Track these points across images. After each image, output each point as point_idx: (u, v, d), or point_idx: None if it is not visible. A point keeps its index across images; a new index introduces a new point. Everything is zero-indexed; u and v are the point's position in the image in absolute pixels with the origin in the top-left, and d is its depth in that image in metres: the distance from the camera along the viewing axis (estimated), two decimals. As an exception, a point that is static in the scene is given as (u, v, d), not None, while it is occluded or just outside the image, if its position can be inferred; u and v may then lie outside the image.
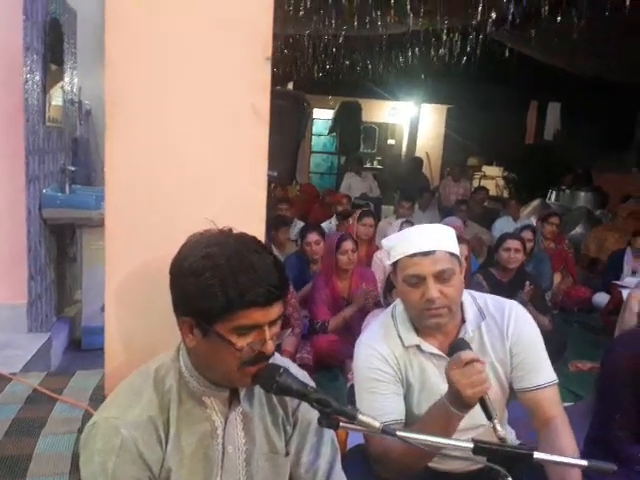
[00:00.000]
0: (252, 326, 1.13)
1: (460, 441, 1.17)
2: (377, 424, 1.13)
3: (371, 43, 9.33)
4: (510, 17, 7.00)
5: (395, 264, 1.66)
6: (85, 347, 3.79)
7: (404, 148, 12.22)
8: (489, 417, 1.34)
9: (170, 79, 1.48)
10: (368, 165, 11.74)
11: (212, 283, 1.11)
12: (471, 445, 1.14)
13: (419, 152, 11.88)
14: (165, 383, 1.22)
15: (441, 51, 8.97)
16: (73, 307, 4.24)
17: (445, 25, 8.34)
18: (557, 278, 5.27)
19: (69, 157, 4.18)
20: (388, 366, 1.68)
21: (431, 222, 7.36)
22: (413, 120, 11.78)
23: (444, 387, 1.67)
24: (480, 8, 7.02)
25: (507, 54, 8.46)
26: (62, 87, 3.89)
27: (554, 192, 9.20)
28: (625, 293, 3.88)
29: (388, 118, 12.67)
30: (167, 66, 1.48)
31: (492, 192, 10.99)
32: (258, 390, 1.30)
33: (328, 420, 1.14)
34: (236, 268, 1.12)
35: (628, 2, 6.00)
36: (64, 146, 4.04)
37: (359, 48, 9.60)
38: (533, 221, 6.72)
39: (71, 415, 1.43)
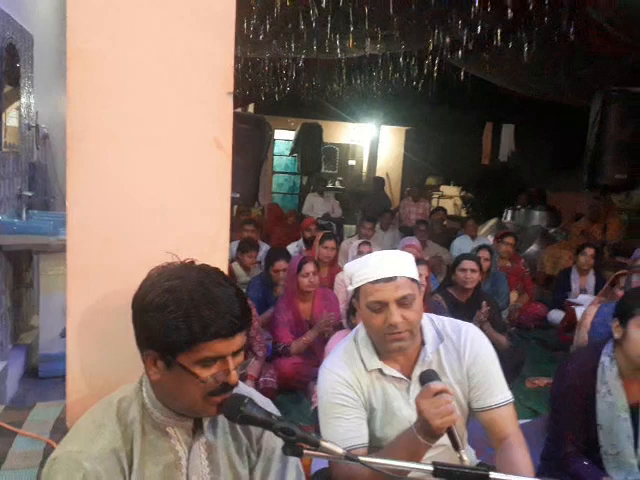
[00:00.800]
0: (215, 357, 1.16)
1: (421, 464, 1.21)
2: (340, 450, 1.16)
3: (331, 66, 9.50)
4: (464, 42, 7.23)
5: (357, 290, 1.70)
6: (42, 375, 3.70)
7: (365, 169, 12.40)
8: (456, 448, 1.37)
9: (132, 112, 1.50)
10: (330, 185, 11.85)
11: (175, 317, 1.13)
12: (431, 468, 1.18)
13: (379, 172, 12.07)
14: (128, 415, 1.23)
15: (399, 74, 9.18)
16: (29, 334, 4.15)
17: (402, 49, 8.55)
18: (514, 296, 5.41)
19: (26, 182, 4.11)
20: (352, 391, 1.71)
21: (392, 242, 7.53)
22: (373, 141, 11.98)
23: (406, 410, 1.72)
24: (436, 33, 7.25)
25: (463, 78, 8.73)
26: (18, 111, 3.84)
27: (509, 211, 9.47)
28: (578, 310, 4.01)
29: (349, 139, 12.85)
30: (129, 99, 1.50)
31: (450, 211, 11.25)
32: (222, 419, 1.31)
33: (292, 448, 1.16)
34: (198, 301, 1.14)
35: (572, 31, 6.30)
36: (21, 171, 3.98)
37: (319, 71, 9.74)
38: (490, 240, 6.90)
39: (32, 449, 1.41)
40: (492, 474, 1.18)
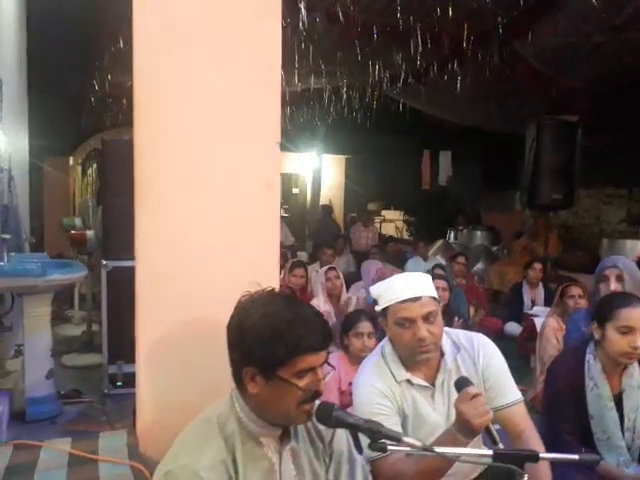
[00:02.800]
0: (309, 369, 1.35)
1: (482, 450, 1.43)
2: (419, 443, 1.37)
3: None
4: (403, 75, 7.68)
5: (385, 310, 1.92)
6: (29, 419, 3.67)
7: (309, 196, 12.70)
8: (494, 442, 1.56)
9: (193, 163, 1.68)
10: (276, 215, 12.01)
11: (273, 337, 1.32)
12: (491, 452, 1.40)
13: (323, 200, 12.39)
14: (227, 428, 1.39)
15: (340, 105, 9.55)
16: (7, 379, 4.09)
17: (344, 83, 8.95)
18: (471, 311, 5.77)
19: (-1, 225, 4.10)
20: (387, 400, 1.92)
21: (347, 266, 7.79)
22: (315, 170, 12.32)
23: (433, 415, 1.95)
24: (377, 68, 7.68)
25: (401, 108, 9.22)
26: (-7, 154, 3.86)
27: (452, 232, 9.99)
28: (538, 321, 4.38)
29: (292, 168, 13.14)
30: (190, 151, 1.68)
31: (392, 233, 11.72)
32: (300, 428, 1.50)
33: (377, 445, 1.36)
34: (291, 322, 1.34)
35: (502, 65, 6.87)
36: (-5, 214, 3.97)
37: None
38: (440, 260, 7.30)
39: (119, 472, 1.53)
40: (541, 454, 1.42)
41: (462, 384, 1.69)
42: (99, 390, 4.12)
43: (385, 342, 2.04)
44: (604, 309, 2.33)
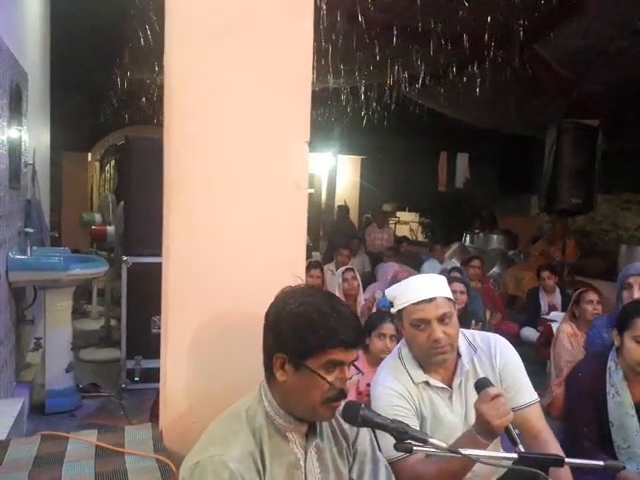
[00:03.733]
0: (338, 362, 1.36)
1: (507, 453, 1.43)
2: (444, 445, 1.37)
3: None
4: (421, 76, 7.66)
5: (400, 312, 1.92)
6: (49, 411, 3.72)
7: (324, 197, 12.72)
8: (514, 443, 1.56)
9: (223, 163, 1.70)
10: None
11: (307, 325, 1.34)
12: (516, 456, 1.41)
13: (338, 200, 12.41)
14: (256, 422, 1.40)
15: (357, 106, 9.55)
16: (28, 371, 4.15)
17: (362, 83, 8.95)
18: (487, 315, 5.75)
19: (23, 219, 4.16)
20: (406, 402, 1.92)
21: (362, 267, 7.79)
22: (331, 170, 12.34)
23: (451, 416, 1.95)
24: (395, 68, 7.67)
25: (418, 109, 9.21)
26: (19, 148, 3.91)
27: (468, 235, 9.96)
28: (555, 326, 4.36)
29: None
30: (220, 151, 1.69)
31: (406, 235, 11.70)
32: (325, 425, 1.51)
33: (403, 445, 1.37)
34: (327, 314, 1.36)
35: (523, 67, 6.83)
36: (19, 208, 4.03)
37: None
38: (456, 263, 7.27)
39: (145, 465, 1.55)
40: (566, 459, 1.42)
41: (482, 385, 1.68)
42: (117, 385, 4.16)
43: (402, 344, 2.04)
44: (624, 317, 2.33)
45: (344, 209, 10.33)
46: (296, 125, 1.74)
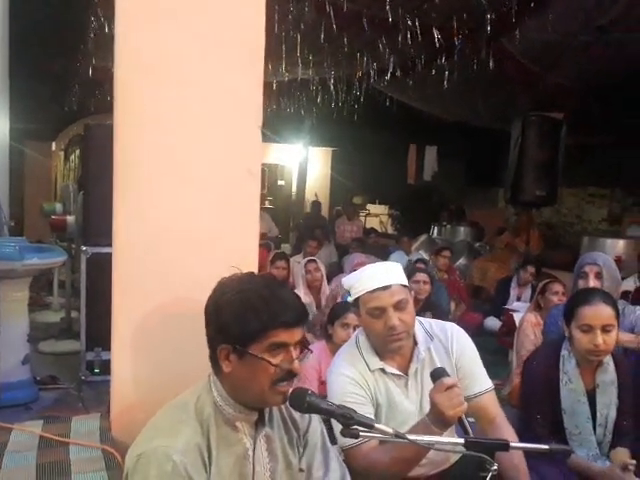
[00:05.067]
0: (282, 344, 1.35)
1: (453, 438, 1.44)
2: (390, 430, 1.37)
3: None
4: (390, 69, 7.68)
5: (356, 300, 1.93)
6: (4, 404, 3.62)
7: (294, 188, 12.67)
8: (466, 432, 1.55)
9: (171, 147, 1.66)
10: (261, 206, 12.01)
11: (247, 311, 1.33)
12: (462, 441, 1.41)
13: (308, 192, 12.39)
14: (204, 412, 1.38)
15: (327, 97, 9.53)
16: (-19, 364, 4.03)
17: (332, 74, 8.93)
18: (452, 306, 5.81)
19: (-22, 207, 4.04)
20: (360, 389, 1.92)
21: (330, 258, 7.79)
22: (302, 162, 12.29)
23: (406, 404, 1.95)
24: (364, 60, 7.67)
25: (387, 102, 9.22)
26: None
27: (436, 227, 10.04)
28: (517, 316, 4.42)
29: (277, 159, 13.11)
30: (169, 135, 1.66)
31: (376, 228, 11.75)
32: (276, 414, 1.49)
33: (350, 431, 1.36)
34: (266, 297, 1.35)
35: (490, 61, 6.89)
36: (-26, 196, 3.92)
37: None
38: (423, 254, 7.32)
39: (90, 455, 1.51)
40: (511, 443, 1.43)
41: (438, 375, 1.69)
42: (76, 377, 4.08)
43: (359, 332, 2.05)
44: (568, 308, 2.37)
45: (317, 205, 10.34)
46: (249, 110, 1.71)
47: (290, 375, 1.36)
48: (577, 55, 6.84)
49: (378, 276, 1.88)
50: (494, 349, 5.16)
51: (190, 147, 1.67)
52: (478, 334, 5.69)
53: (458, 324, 5.92)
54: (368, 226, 11.11)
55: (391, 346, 1.89)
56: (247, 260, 1.73)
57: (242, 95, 1.70)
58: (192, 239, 1.69)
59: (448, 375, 1.69)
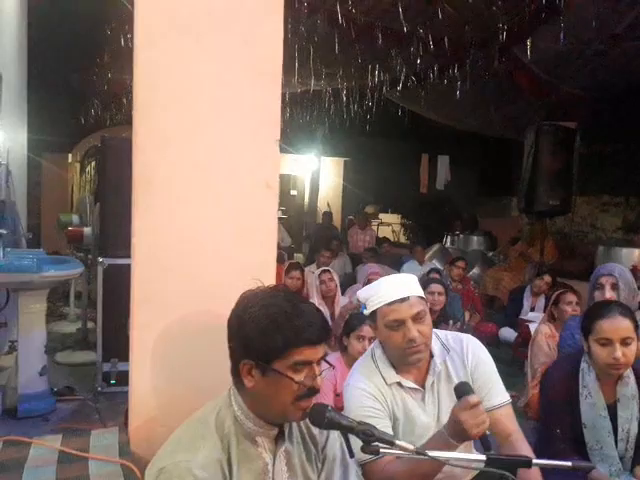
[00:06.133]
0: (305, 362, 1.35)
1: (475, 454, 1.43)
2: (411, 447, 1.36)
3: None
4: (402, 79, 7.70)
5: (373, 313, 1.91)
6: (22, 415, 3.63)
7: (306, 198, 12.71)
8: (487, 448, 1.54)
9: (191, 160, 1.68)
10: (273, 216, 12.04)
11: (271, 328, 1.33)
12: (484, 457, 1.40)
13: (320, 202, 12.41)
14: (224, 427, 1.38)
15: (339, 108, 9.56)
16: (1, 375, 4.06)
17: (344, 85, 8.96)
18: (466, 316, 5.77)
19: (-4, 220, 4.09)
20: (378, 403, 1.91)
21: (343, 268, 7.78)
22: (314, 172, 12.33)
23: (423, 417, 1.94)
24: (376, 71, 7.70)
25: (400, 112, 9.24)
26: (-8, 149, 3.85)
27: (449, 237, 10.00)
28: (532, 327, 4.38)
29: (290, 170, 13.16)
30: (189, 148, 1.67)
31: (389, 237, 11.73)
32: (295, 430, 1.49)
33: (370, 447, 1.35)
34: (290, 314, 1.34)
35: (502, 70, 6.89)
36: (-8, 209, 3.96)
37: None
38: (436, 264, 7.30)
39: (108, 469, 1.52)
40: (533, 460, 1.42)
41: (463, 391, 1.66)
42: (92, 388, 4.10)
43: (375, 345, 2.04)
44: (587, 321, 2.33)
45: (329, 215, 10.35)
46: (266, 124, 1.73)
47: (312, 392, 1.36)
48: (590, 64, 6.81)
49: (396, 288, 1.87)
50: (510, 360, 5.12)
51: (209, 161, 1.69)
52: (493, 344, 5.66)
53: (473, 334, 5.87)
54: (381, 235, 11.11)
55: (410, 358, 1.88)
56: (266, 272, 1.74)
57: (260, 110, 1.72)
58: (211, 252, 1.70)
59: (472, 391, 1.66)
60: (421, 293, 1.92)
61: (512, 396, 4.27)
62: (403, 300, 1.85)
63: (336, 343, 3.71)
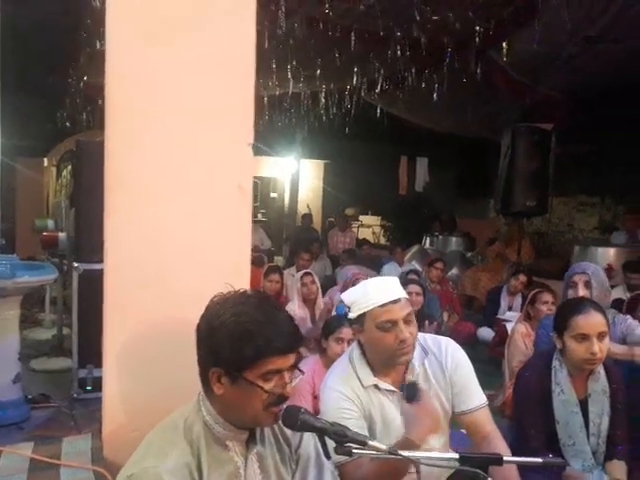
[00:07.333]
0: (276, 371, 1.34)
1: (448, 454, 1.44)
2: (384, 447, 1.37)
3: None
4: (380, 82, 7.74)
5: (362, 315, 1.91)
6: (-6, 424, 3.58)
7: (286, 201, 12.70)
8: None
9: (163, 164, 1.68)
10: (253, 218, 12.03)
11: (242, 337, 1.32)
12: (457, 456, 1.42)
13: (300, 205, 12.41)
14: (193, 432, 1.37)
15: (318, 110, 9.57)
16: (-31, 384, 3.98)
17: (323, 88, 8.98)
18: (445, 316, 5.82)
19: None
20: (354, 405, 1.92)
21: (324, 270, 7.79)
22: (294, 175, 12.32)
23: (400, 420, 1.95)
24: (355, 74, 7.73)
25: (379, 114, 9.27)
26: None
27: (428, 238, 10.07)
28: (509, 326, 4.43)
29: (269, 173, 13.14)
30: (161, 152, 1.67)
31: (369, 239, 11.78)
32: (267, 431, 1.49)
33: (343, 449, 1.36)
34: (262, 323, 1.33)
35: (479, 72, 6.95)
36: (-36, 214, 3.89)
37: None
38: (415, 265, 7.34)
39: (81, 477, 1.50)
40: (505, 457, 1.44)
41: (411, 391, 1.73)
42: (68, 394, 4.04)
43: (353, 347, 2.05)
44: (559, 319, 2.37)
45: (308, 217, 10.35)
46: (239, 127, 1.73)
47: (282, 398, 1.36)
48: (565, 66, 6.91)
49: (387, 290, 1.89)
50: (487, 359, 5.16)
51: (181, 164, 1.69)
52: (471, 344, 5.70)
53: (451, 334, 5.93)
54: (361, 237, 11.14)
55: (400, 359, 1.90)
56: (239, 275, 1.74)
57: (233, 113, 1.72)
58: (184, 255, 1.70)
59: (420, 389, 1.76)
60: (407, 295, 1.94)
61: (489, 395, 4.31)
62: (396, 302, 1.87)
63: (315, 345, 3.71)
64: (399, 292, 1.90)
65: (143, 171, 1.66)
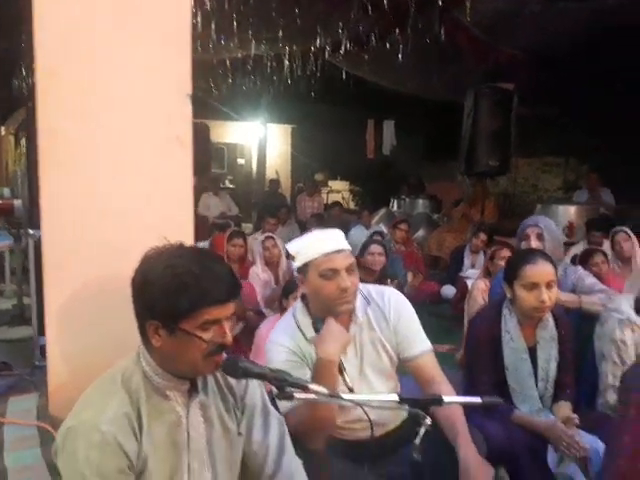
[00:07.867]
0: (213, 321, 1.34)
1: (388, 396, 1.47)
2: (325, 390, 1.39)
3: (215, 66, 9.56)
4: (344, 43, 7.63)
5: (306, 264, 1.93)
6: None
7: (254, 167, 12.58)
8: None
9: (99, 118, 1.64)
10: (220, 185, 11.91)
11: (177, 288, 1.31)
12: (397, 398, 1.45)
13: (269, 171, 12.31)
14: (132, 383, 1.37)
15: (283, 74, 9.41)
16: None
17: (286, 50, 8.82)
18: (409, 276, 5.89)
19: None
20: (296, 356, 1.95)
21: (292, 235, 7.79)
22: (261, 140, 12.18)
23: (347, 367, 1.97)
24: (318, 35, 7.60)
25: (344, 77, 9.16)
26: None
27: (395, 201, 10.11)
28: (470, 283, 4.50)
29: (236, 138, 12.97)
30: (96, 106, 1.63)
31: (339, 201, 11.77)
32: (210, 381, 1.50)
33: (284, 393, 1.37)
34: (197, 274, 1.32)
35: (443, 33, 6.90)
36: None
37: (204, 70, 9.76)
38: (382, 227, 7.38)
39: (25, 433, 1.50)
40: (445, 398, 1.47)
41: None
42: (30, 362, 4.01)
43: (297, 302, 2.07)
44: (509, 269, 2.42)
45: (276, 182, 10.27)
46: (176, 78, 1.69)
47: (222, 347, 1.36)
48: (527, 24, 6.90)
49: (331, 240, 1.92)
50: (450, 316, 5.26)
51: (116, 117, 1.65)
52: (435, 302, 5.81)
53: (416, 293, 5.97)
54: (330, 202, 11.11)
55: (341, 308, 1.92)
56: (183, 230, 1.72)
57: (169, 64, 1.68)
58: (122, 212, 1.67)
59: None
60: (350, 248, 1.96)
61: (451, 349, 4.39)
62: (339, 251, 1.90)
63: (278, 306, 3.73)
64: (342, 244, 1.93)
65: (75, 128, 1.61)
